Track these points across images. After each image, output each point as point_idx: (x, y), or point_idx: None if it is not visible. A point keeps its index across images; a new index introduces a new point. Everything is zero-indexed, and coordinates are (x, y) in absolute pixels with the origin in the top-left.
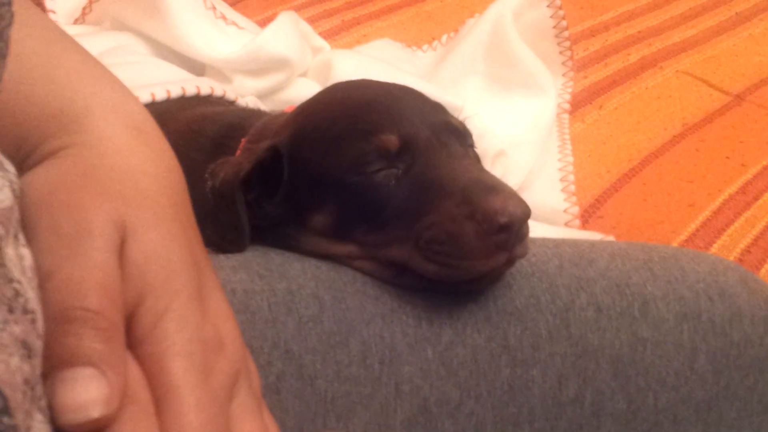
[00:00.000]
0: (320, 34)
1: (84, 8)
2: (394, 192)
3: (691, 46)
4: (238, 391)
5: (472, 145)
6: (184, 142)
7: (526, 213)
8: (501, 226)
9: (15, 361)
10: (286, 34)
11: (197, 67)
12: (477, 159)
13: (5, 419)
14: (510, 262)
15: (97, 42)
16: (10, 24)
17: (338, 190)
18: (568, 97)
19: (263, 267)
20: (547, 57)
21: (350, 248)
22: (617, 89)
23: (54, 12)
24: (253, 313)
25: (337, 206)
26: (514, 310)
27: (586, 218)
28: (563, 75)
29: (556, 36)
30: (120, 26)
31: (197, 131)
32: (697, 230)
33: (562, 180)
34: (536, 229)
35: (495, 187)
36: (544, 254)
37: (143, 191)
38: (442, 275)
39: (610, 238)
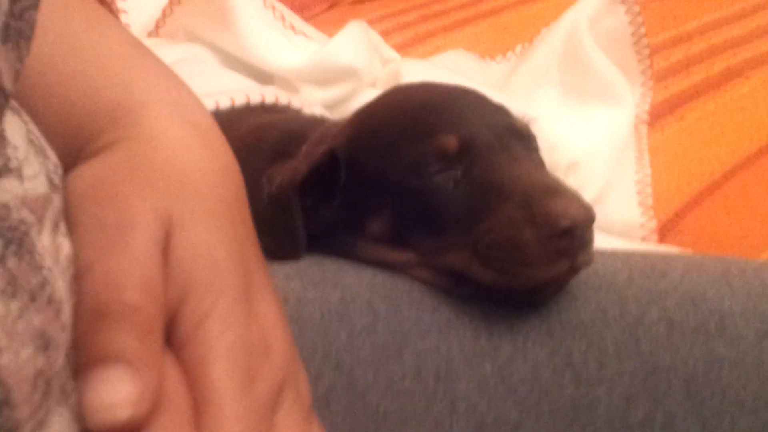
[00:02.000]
0: (393, 46)
1: (158, 21)
2: (452, 195)
3: None
4: (284, 400)
5: (536, 149)
6: (245, 149)
7: (590, 217)
8: (563, 231)
9: (27, 352)
10: (354, 44)
11: (266, 78)
12: (541, 163)
13: (6, 411)
14: (573, 270)
15: (165, 54)
16: (34, 5)
17: (396, 193)
18: (646, 107)
19: (317, 275)
20: (625, 66)
21: (407, 255)
22: (700, 100)
23: (129, 25)
24: (304, 322)
25: (394, 211)
26: (579, 323)
27: (665, 233)
28: (642, 84)
29: (635, 44)
30: (192, 38)
31: (258, 138)
32: None
33: (639, 193)
34: (611, 244)
35: (557, 189)
36: (613, 265)
37: (193, 186)
38: (501, 283)
39: None
